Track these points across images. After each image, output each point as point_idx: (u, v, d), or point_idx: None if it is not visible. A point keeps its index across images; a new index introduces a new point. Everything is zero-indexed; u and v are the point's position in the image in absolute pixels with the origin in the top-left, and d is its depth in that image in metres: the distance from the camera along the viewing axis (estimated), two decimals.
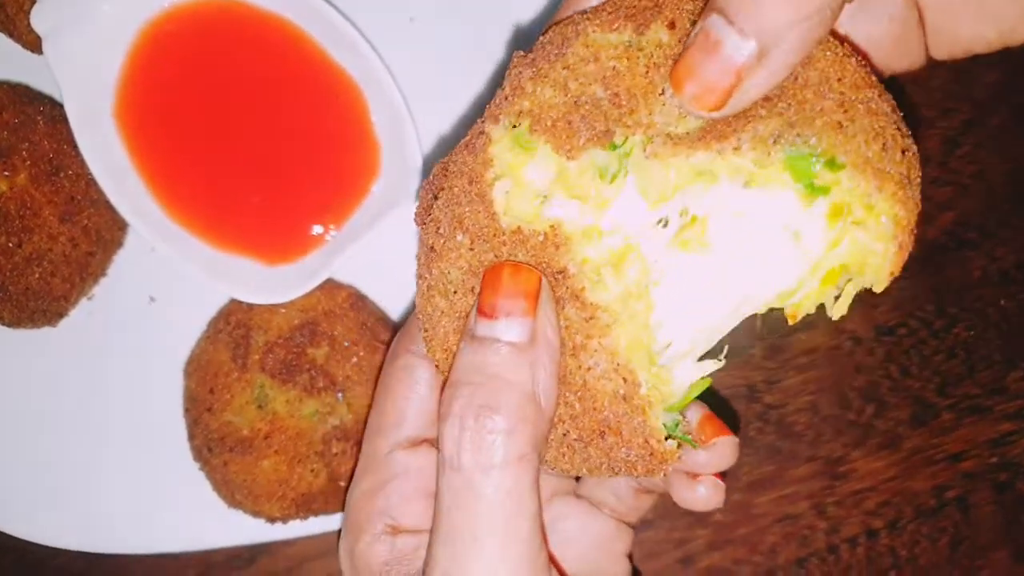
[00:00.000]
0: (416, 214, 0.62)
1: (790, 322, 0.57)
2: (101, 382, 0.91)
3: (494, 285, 0.54)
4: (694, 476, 0.64)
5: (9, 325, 0.87)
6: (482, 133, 0.56)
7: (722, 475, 0.66)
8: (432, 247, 0.57)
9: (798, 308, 0.57)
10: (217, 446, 0.83)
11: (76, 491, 0.90)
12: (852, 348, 1.00)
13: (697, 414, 0.65)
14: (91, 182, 0.85)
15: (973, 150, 1.01)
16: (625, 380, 0.54)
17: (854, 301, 0.57)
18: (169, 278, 0.92)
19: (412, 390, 0.66)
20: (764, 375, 1.00)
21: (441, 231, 0.57)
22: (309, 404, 0.83)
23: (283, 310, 0.86)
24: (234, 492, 0.84)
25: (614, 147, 0.54)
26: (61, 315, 0.88)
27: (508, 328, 0.53)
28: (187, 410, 0.87)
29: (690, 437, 0.59)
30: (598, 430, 0.55)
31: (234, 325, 0.86)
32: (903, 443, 0.99)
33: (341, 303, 0.87)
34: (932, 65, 0.98)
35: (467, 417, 0.52)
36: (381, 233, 0.87)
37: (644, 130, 0.54)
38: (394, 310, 0.91)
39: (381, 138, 0.88)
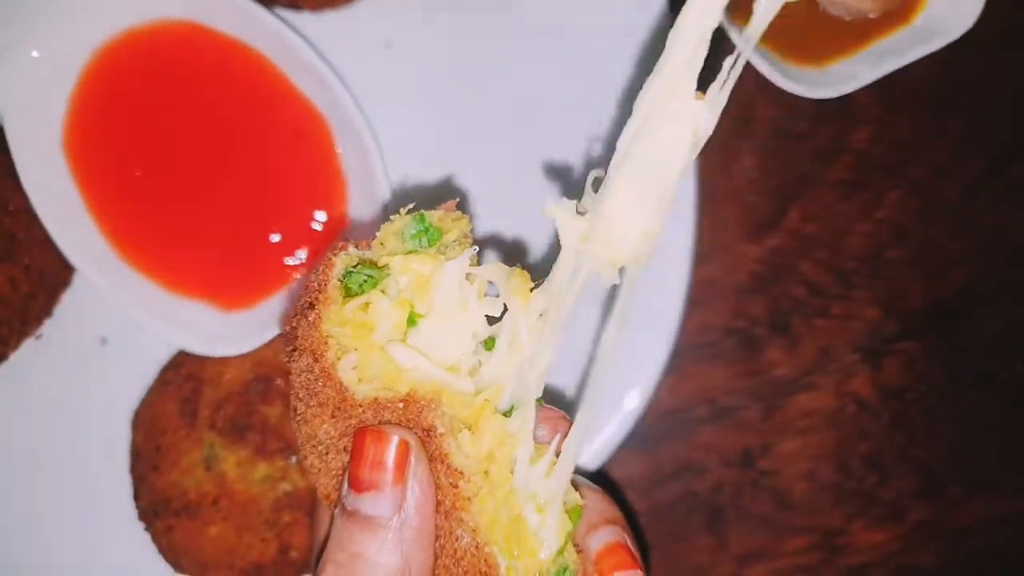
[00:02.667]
0: (283, 355, 0.56)
1: None
2: (45, 429, 0.85)
3: (359, 456, 0.49)
4: None
5: None
6: (311, 306, 0.51)
7: None
8: (295, 409, 0.53)
9: None
10: (162, 509, 0.77)
11: (14, 548, 0.83)
12: (856, 412, 0.93)
13: (601, 542, 0.56)
14: (35, 218, 0.79)
15: (991, 202, 0.94)
16: (486, 562, 0.50)
17: None
18: (122, 317, 0.86)
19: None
20: (760, 439, 0.93)
21: (300, 397, 0.52)
22: (260, 468, 0.77)
23: (236, 362, 0.79)
24: (180, 559, 0.78)
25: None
26: (1, 359, 0.82)
27: (375, 502, 0.49)
28: (133, 467, 0.80)
29: None
30: None
31: (184, 377, 0.79)
32: (907, 515, 0.92)
33: None
34: (945, 108, 0.93)
35: None
36: None
37: None
38: None
39: (348, 176, 0.82)
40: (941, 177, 0.93)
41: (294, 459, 0.77)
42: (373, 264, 0.51)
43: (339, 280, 0.51)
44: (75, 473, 0.84)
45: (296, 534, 0.76)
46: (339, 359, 0.50)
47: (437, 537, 0.50)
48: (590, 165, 0.86)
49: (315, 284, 0.51)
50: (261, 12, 0.79)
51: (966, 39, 0.83)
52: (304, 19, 0.84)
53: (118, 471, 0.83)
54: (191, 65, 0.81)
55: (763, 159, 0.93)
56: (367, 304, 0.50)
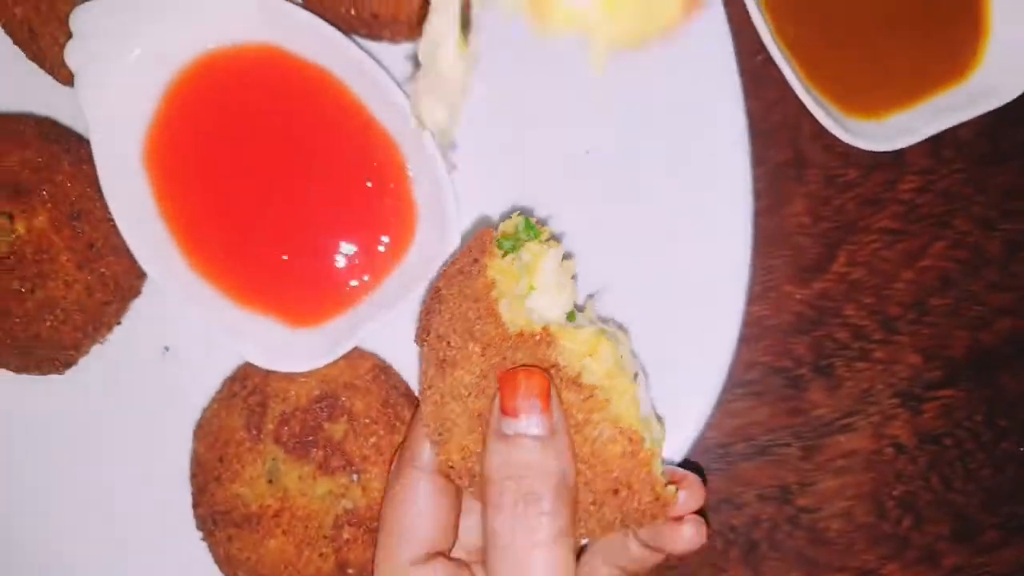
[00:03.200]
0: (417, 335, 0.71)
1: None
2: (105, 434, 0.87)
3: (513, 388, 0.63)
4: (677, 520, 0.69)
5: (15, 371, 0.83)
6: (475, 261, 0.69)
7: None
8: (444, 359, 0.67)
9: None
10: (222, 519, 0.79)
11: (69, 552, 0.85)
12: (894, 455, 0.95)
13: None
14: (113, 228, 0.81)
15: None
16: (631, 440, 0.64)
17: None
18: (186, 328, 0.88)
19: (416, 506, 0.70)
20: (798, 476, 0.95)
21: (452, 344, 0.67)
22: (322, 483, 0.78)
23: (302, 378, 0.81)
24: (236, 570, 0.79)
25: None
26: (70, 364, 0.84)
27: (531, 425, 0.62)
28: (194, 475, 0.82)
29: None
30: (611, 488, 0.64)
31: (250, 390, 0.81)
32: (942, 559, 0.94)
33: (363, 375, 0.82)
34: (995, 163, 0.96)
35: (517, 504, 0.60)
36: (410, 301, 0.83)
37: None
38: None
39: (419, 204, 0.84)
40: (987, 230, 0.96)
41: (356, 477, 0.78)
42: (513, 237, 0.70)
43: (496, 242, 0.69)
44: (133, 479, 0.86)
45: (355, 551, 0.78)
46: (499, 299, 0.66)
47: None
48: (649, 201, 0.88)
49: (477, 246, 0.70)
50: (343, 40, 0.82)
51: (1018, 97, 0.86)
52: (381, 48, 0.87)
53: (177, 479, 0.84)
54: (272, 87, 0.84)
55: (813, 205, 0.96)
56: (514, 260, 0.68)
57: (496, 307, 0.66)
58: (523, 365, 0.64)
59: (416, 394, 0.85)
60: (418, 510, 0.70)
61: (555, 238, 0.72)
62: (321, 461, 0.79)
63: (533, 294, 0.69)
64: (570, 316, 0.70)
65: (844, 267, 0.96)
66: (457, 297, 0.68)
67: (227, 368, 0.87)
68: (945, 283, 0.96)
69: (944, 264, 0.96)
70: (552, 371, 0.65)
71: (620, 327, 0.77)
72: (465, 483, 0.68)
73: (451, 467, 0.67)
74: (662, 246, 0.87)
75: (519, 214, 0.71)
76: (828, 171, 0.96)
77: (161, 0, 0.80)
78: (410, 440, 0.73)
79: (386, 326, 0.84)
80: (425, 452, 0.71)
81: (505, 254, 0.69)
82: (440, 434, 0.67)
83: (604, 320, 0.82)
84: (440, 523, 0.70)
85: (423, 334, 0.70)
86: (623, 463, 0.64)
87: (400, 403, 0.82)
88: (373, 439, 0.79)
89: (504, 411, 0.63)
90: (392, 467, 0.75)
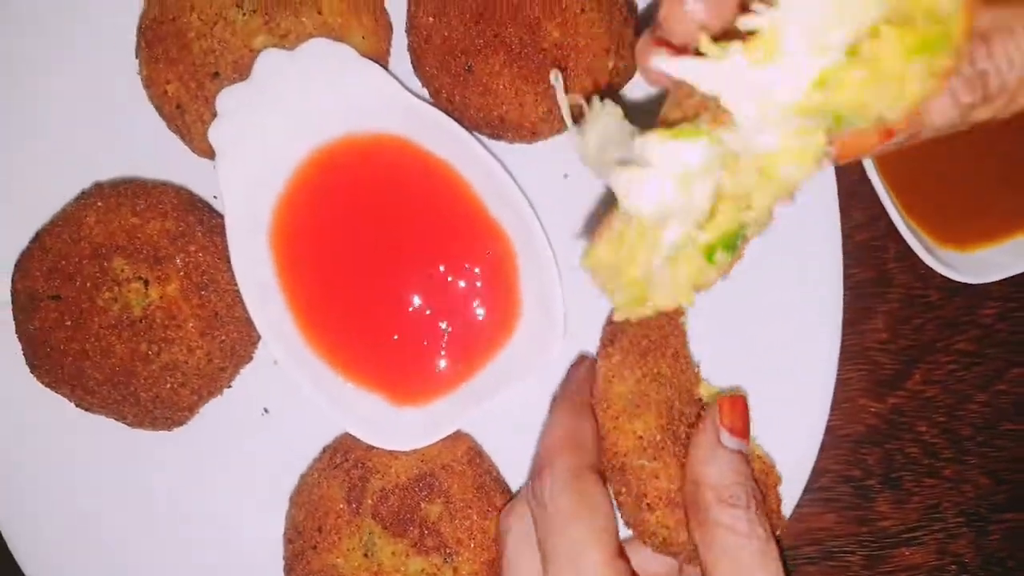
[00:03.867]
0: (604, 336, 0.83)
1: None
2: (202, 490, 0.91)
3: (740, 412, 0.76)
4: None
5: (128, 425, 0.87)
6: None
7: None
8: (647, 348, 0.79)
9: None
10: None
11: None
12: (957, 572, 0.97)
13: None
14: (236, 298, 0.85)
15: None
16: (764, 462, 0.80)
17: None
18: (285, 393, 0.92)
19: (606, 503, 0.76)
20: None
21: (652, 341, 0.80)
22: (415, 562, 0.82)
23: (403, 456, 0.85)
24: None
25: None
26: (180, 424, 0.88)
27: (743, 445, 0.75)
28: (290, 540, 0.86)
29: None
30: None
31: (352, 463, 0.85)
32: None
33: (460, 457, 0.86)
34: None
35: (751, 503, 0.71)
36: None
37: None
38: (506, 468, 0.90)
39: (525, 297, 0.88)
40: None
41: (449, 559, 0.82)
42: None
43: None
44: (226, 537, 0.90)
45: None
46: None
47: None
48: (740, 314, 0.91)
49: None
50: (469, 139, 0.86)
51: None
52: (498, 147, 0.92)
53: (269, 540, 0.88)
54: (396, 176, 0.88)
55: (893, 323, 0.99)
56: None
57: (681, 324, 0.83)
58: (741, 395, 0.80)
59: (504, 481, 0.89)
60: (606, 508, 0.75)
61: None
62: (416, 540, 0.82)
63: None
64: None
65: (919, 385, 0.99)
66: (657, 337, 0.81)
67: (322, 435, 0.91)
68: (1018, 409, 0.99)
69: (1019, 390, 0.99)
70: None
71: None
72: (644, 460, 0.75)
73: (640, 437, 0.75)
74: (751, 354, 0.90)
75: None
76: (910, 291, 0.99)
77: (302, 89, 0.85)
78: (581, 442, 0.78)
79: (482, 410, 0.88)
80: (594, 452, 0.78)
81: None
82: (637, 406, 0.76)
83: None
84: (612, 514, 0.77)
85: (615, 332, 0.81)
86: (759, 482, 0.76)
87: (492, 488, 0.85)
88: (467, 523, 0.82)
89: (731, 429, 0.75)
90: (553, 476, 0.76)
